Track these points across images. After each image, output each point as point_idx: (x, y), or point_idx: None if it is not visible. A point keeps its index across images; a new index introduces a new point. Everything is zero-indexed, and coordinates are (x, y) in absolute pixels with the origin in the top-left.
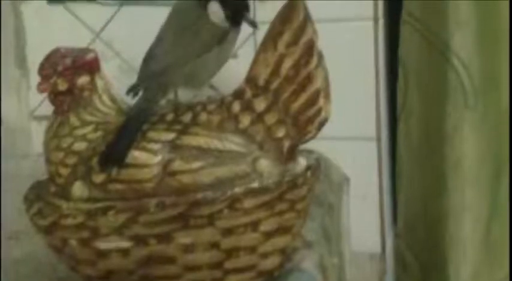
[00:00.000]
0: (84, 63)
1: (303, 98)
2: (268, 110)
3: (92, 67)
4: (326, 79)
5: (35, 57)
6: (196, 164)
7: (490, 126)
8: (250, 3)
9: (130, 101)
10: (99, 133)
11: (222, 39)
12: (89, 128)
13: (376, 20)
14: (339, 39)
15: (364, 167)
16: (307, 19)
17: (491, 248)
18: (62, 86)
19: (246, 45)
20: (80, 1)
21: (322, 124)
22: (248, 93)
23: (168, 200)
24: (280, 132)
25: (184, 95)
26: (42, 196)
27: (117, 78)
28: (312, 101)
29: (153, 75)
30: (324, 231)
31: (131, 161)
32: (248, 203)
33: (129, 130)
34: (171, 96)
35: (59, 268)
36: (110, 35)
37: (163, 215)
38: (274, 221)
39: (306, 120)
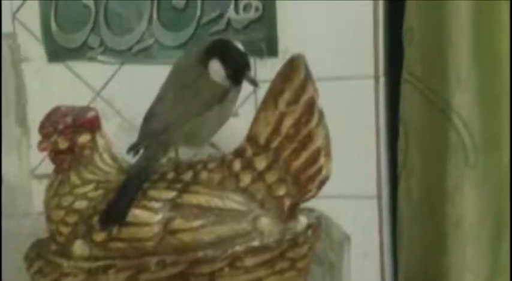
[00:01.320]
0: (85, 122)
1: (304, 156)
2: (268, 168)
3: (93, 125)
4: (327, 138)
5: (36, 116)
6: (197, 223)
7: (491, 185)
8: (251, 61)
9: (131, 159)
10: (99, 192)
11: (223, 97)
12: (90, 187)
13: (377, 79)
14: (339, 98)
15: (365, 225)
16: (307, 77)
17: None
18: (63, 144)
19: (246, 103)
20: (81, 60)
21: (323, 183)
22: (249, 152)
23: (169, 259)
24: (281, 191)
25: (185, 153)
26: (42, 255)
27: (118, 136)
28: (313, 159)
29: (154, 134)
30: None
31: (132, 220)
32: (249, 261)
33: (129, 189)
34: (171, 154)
35: None
36: (111, 93)
37: (164, 273)
38: (275, 279)
39: (307, 178)
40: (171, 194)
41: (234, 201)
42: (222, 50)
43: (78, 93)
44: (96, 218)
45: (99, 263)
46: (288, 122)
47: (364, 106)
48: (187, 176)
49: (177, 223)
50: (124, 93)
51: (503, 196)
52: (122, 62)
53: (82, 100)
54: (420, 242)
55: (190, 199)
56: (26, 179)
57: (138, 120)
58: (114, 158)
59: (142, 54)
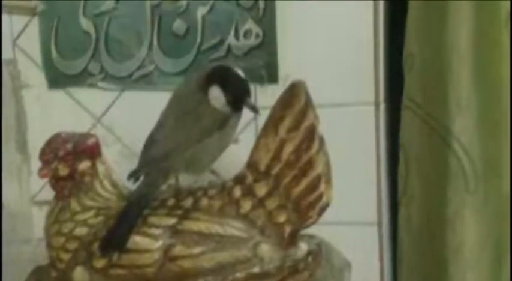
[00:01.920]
0: (85, 149)
1: (304, 183)
2: (269, 195)
3: (93, 152)
4: (327, 164)
5: (36, 142)
6: (197, 249)
7: (491, 211)
8: (252, 88)
9: (132, 186)
10: (100, 218)
11: (223, 124)
12: (90, 213)
13: (377, 105)
14: (340, 124)
15: (366, 252)
16: (308, 104)
17: None
18: (63, 171)
19: (247, 130)
20: (81, 86)
21: (323, 209)
22: (249, 179)
23: None
24: (281, 218)
25: (186, 180)
26: None
27: (118, 163)
28: (313, 186)
29: (154, 160)
30: None
31: (132, 246)
32: None
33: (130, 215)
34: (172, 181)
35: None
36: (111, 120)
37: None
38: None
39: (307, 205)
40: (172, 221)
41: (234, 228)
42: (222, 77)
43: (79, 120)
44: (96, 245)
45: None
46: (288, 149)
47: (365, 132)
48: (188, 202)
49: (178, 250)
50: (124, 119)
51: (504, 221)
52: (122, 88)
53: (82, 127)
54: (421, 269)
55: (191, 225)
56: (27, 205)
57: (139, 146)
58: (114, 184)
59: (143, 80)
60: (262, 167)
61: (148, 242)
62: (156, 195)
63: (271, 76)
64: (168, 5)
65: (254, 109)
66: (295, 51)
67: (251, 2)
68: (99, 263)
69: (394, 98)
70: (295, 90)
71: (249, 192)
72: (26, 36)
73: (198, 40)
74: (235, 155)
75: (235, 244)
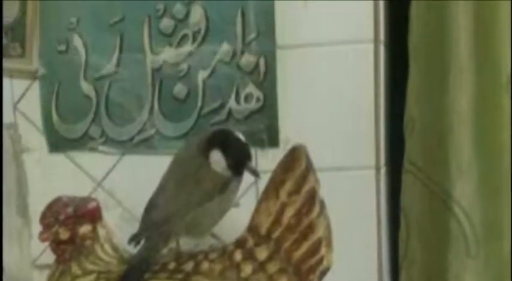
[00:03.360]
0: (86, 212)
1: (305, 247)
2: (270, 259)
3: (94, 216)
4: (328, 228)
5: (37, 206)
6: None
7: (491, 275)
8: (252, 152)
9: (132, 250)
10: None
11: (224, 188)
12: (91, 277)
13: (378, 169)
14: (340, 188)
15: None
16: (309, 168)
17: None
18: (64, 235)
19: (247, 194)
20: (82, 150)
21: (324, 273)
22: (250, 242)
23: None
24: None
25: (186, 243)
26: None
27: (119, 227)
28: (314, 250)
29: (155, 224)
30: None
31: None
32: None
33: (131, 279)
34: (173, 245)
35: None
36: (112, 184)
37: None
38: None
39: (308, 269)
40: None
41: None
42: (223, 141)
43: (79, 184)
44: None
45: None
46: (289, 213)
47: (366, 196)
48: (189, 266)
49: None
50: (125, 183)
51: None
52: (123, 152)
53: (83, 190)
54: None
55: None
56: (27, 269)
57: (139, 210)
58: (115, 248)
59: (143, 144)
60: (263, 230)
61: None
62: (157, 259)
63: (272, 140)
64: (169, 69)
65: (255, 173)
66: (296, 115)
67: (252, 65)
68: None
69: (395, 161)
70: (296, 154)
71: (249, 256)
72: (26, 100)
73: (199, 104)
74: (236, 219)
75: None
